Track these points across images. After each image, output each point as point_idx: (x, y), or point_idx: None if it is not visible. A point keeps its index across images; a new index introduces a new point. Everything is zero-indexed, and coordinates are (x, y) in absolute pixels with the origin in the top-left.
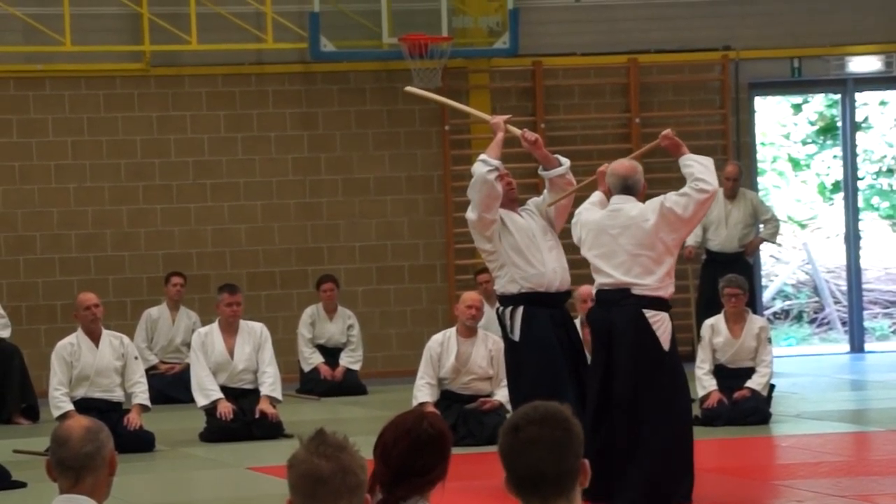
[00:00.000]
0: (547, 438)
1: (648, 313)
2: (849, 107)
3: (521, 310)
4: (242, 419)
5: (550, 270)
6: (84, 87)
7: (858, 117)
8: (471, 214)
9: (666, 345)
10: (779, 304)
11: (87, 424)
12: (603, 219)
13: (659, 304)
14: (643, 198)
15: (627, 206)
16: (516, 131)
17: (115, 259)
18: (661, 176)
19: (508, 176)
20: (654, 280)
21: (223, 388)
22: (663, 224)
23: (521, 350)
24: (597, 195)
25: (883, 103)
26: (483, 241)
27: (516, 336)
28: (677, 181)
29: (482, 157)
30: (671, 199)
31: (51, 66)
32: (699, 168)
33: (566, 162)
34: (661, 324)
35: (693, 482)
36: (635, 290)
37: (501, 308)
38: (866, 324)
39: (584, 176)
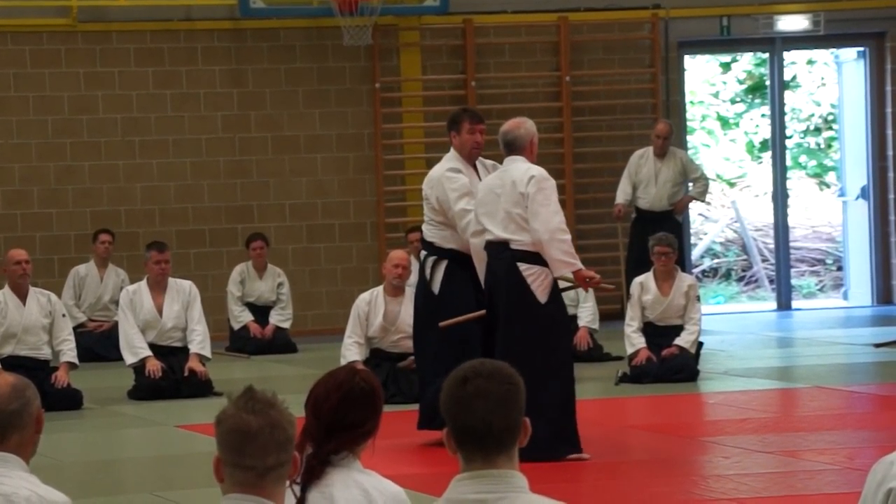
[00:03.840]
0: (495, 391)
1: (523, 266)
2: (777, 66)
3: (444, 264)
4: (171, 377)
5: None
6: (10, 42)
7: (786, 76)
8: (461, 221)
9: (542, 297)
10: (707, 263)
11: (13, 382)
12: (491, 179)
13: (535, 258)
14: (532, 153)
15: (513, 167)
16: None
17: (42, 216)
18: (592, 134)
19: (483, 134)
20: (528, 237)
21: (152, 346)
22: (529, 197)
23: (438, 303)
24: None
25: (811, 62)
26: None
27: (436, 289)
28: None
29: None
30: (538, 192)
31: None
32: (563, 259)
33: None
34: (537, 277)
35: (577, 435)
36: (512, 245)
37: (425, 254)
38: (793, 282)
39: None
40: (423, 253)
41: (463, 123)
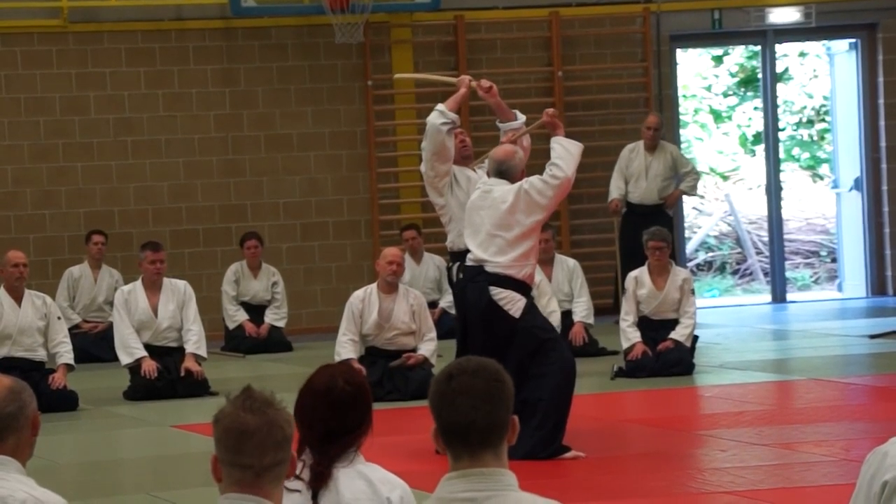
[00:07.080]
0: (480, 388)
1: (494, 290)
2: (769, 58)
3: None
4: (167, 377)
5: None
6: (0, 43)
7: (779, 69)
8: (423, 166)
9: (517, 314)
10: (702, 256)
11: (9, 384)
12: (476, 199)
13: (508, 282)
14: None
15: (497, 187)
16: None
17: (35, 218)
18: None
19: (463, 134)
20: (507, 260)
21: (147, 347)
22: (520, 206)
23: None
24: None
25: (802, 54)
26: (434, 193)
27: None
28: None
29: (439, 107)
30: (531, 181)
31: None
32: (560, 151)
33: (522, 117)
34: (509, 301)
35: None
36: (488, 267)
37: (451, 262)
38: (788, 274)
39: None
40: (448, 262)
41: None
